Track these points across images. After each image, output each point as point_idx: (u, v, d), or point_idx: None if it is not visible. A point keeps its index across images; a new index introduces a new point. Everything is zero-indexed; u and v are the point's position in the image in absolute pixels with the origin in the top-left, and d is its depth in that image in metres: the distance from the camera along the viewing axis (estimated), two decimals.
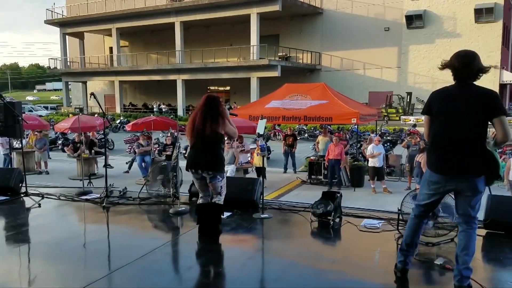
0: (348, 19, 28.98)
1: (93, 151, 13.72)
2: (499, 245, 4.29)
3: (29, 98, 69.27)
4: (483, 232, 4.60)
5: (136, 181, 10.95)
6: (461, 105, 3.09)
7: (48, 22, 36.86)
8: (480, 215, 4.90)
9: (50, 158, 14.89)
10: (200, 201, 4.57)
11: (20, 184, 6.85)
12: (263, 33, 28.56)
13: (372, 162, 10.82)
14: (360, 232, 4.71)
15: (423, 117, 3.47)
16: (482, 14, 25.23)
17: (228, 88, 35.22)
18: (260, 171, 11.24)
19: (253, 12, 27.64)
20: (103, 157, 14.21)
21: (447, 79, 3.31)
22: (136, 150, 12.52)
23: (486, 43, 25.42)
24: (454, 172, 3.12)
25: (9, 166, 12.19)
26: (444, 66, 3.24)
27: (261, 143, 7.83)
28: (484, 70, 3.19)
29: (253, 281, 3.64)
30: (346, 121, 11.64)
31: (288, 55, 30.29)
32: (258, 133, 5.84)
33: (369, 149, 11.03)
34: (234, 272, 3.82)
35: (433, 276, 3.63)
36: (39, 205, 6.13)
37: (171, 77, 31.19)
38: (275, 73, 26.94)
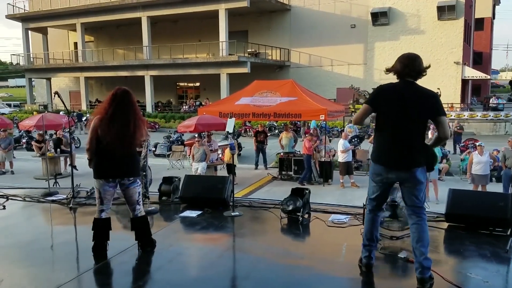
0: (316, 16, 29.27)
1: (59, 150, 13.37)
2: (460, 237, 4.49)
3: None
4: (444, 225, 4.82)
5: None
6: (405, 103, 3.27)
7: (9, 16, 35.45)
8: (441, 209, 5.15)
9: (15, 158, 14.41)
10: (102, 215, 4.03)
11: None
12: (232, 29, 28.47)
13: (343, 157, 11.03)
14: (328, 228, 4.84)
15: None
16: (444, 11, 26.04)
17: (198, 84, 34.96)
18: (231, 168, 11.32)
19: (222, 8, 27.49)
20: (69, 155, 13.93)
21: None
22: None
23: (448, 39, 26.27)
24: (393, 164, 3.31)
25: None
26: (389, 70, 3.45)
27: (230, 141, 7.84)
28: (425, 72, 3.37)
29: (223, 279, 3.67)
30: (314, 117, 11.83)
31: (258, 52, 30.35)
32: (227, 131, 5.87)
33: (342, 144, 11.18)
34: (204, 270, 3.85)
35: (397, 269, 3.78)
36: (4, 207, 5.95)
37: (139, 73, 30.66)
38: (245, 69, 26.95)
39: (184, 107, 32.16)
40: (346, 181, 11.11)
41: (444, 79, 26.05)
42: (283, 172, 12.15)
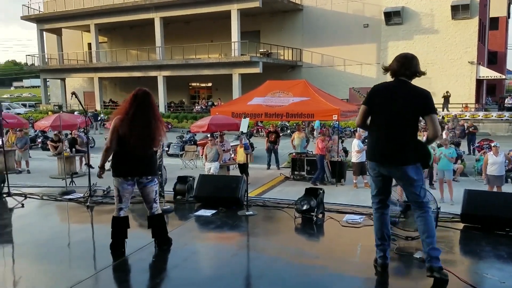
0: (328, 16, 29.19)
1: (74, 149, 13.57)
2: (475, 238, 4.47)
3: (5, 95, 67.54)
4: (460, 226, 4.79)
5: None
6: (398, 101, 3.36)
7: (24, 18, 36.03)
8: (457, 210, 5.12)
9: (31, 157, 14.65)
10: (121, 213, 4.09)
11: (2, 185, 6.78)
12: (244, 29, 28.55)
13: (357, 158, 10.96)
14: (342, 228, 4.85)
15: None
16: (458, 10, 25.75)
17: (210, 84, 35.11)
18: (244, 167, 11.35)
19: (234, 8, 27.58)
20: (84, 155, 14.13)
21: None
22: None
23: (462, 39, 25.97)
24: (384, 160, 3.43)
25: None
26: (386, 69, 3.55)
27: (244, 141, 7.90)
28: (420, 73, 3.46)
29: (237, 278, 3.71)
30: (327, 117, 11.80)
31: (270, 52, 30.37)
32: (241, 131, 5.91)
33: (357, 145, 11.09)
34: (219, 269, 3.89)
35: (413, 270, 3.78)
36: (22, 205, 6.09)
37: (152, 73, 30.91)
38: (257, 70, 26.99)
39: (196, 107, 32.34)
40: (360, 182, 11.07)
41: (458, 79, 25.77)
42: (296, 172, 12.15)
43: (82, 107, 6.32)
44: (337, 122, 14.85)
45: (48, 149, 15.40)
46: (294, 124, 20.27)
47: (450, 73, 25.67)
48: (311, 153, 12.48)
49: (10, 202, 6.28)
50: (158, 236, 4.20)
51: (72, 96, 5.97)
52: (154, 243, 4.26)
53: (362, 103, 3.61)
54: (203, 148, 12.49)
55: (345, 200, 7.28)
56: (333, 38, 28.90)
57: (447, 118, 21.59)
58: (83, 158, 14.28)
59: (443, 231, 4.62)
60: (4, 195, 6.54)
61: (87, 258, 4.24)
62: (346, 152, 13.38)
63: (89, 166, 7.16)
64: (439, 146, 10.55)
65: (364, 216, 5.11)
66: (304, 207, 5.07)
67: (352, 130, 20.84)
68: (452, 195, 9.43)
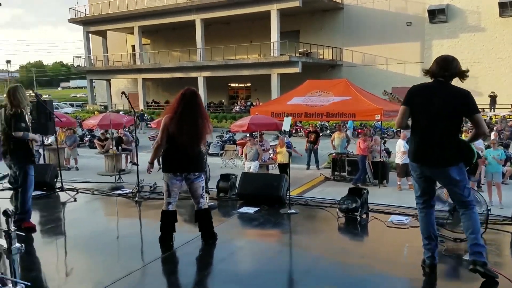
0: (369, 14, 28.68)
1: (120, 147, 14.08)
2: None
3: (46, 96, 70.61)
4: (510, 228, 4.62)
5: (162, 177, 11.20)
6: (437, 102, 3.35)
7: (71, 20, 37.62)
8: (507, 213, 4.95)
9: (79, 155, 15.31)
10: (169, 207, 4.25)
11: (55, 180, 7.16)
12: (283, 29, 28.55)
13: (402, 159, 10.69)
14: (387, 228, 4.79)
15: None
16: (507, 7, 24.57)
17: (248, 85, 35.35)
18: (284, 167, 11.37)
19: (273, 9, 27.64)
20: (130, 153, 14.64)
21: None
22: None
23: (511, 37, 24.80)
24: (426, 161, 3.44)
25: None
26: (426, 72, 3.55)
27: (286, 140, 7.94)
28: (460, 74, 3.43)
29: (283, 273, 3.77)
30: (369, 117, 11.60)
31: (309, 51, 30.21)
32: (284, 130, 5.96)
33: (403, 145, 10.80)
34: (265, 264, 3.95)
35: (461, 271, 3.69)
36: (75, 200, 6.40)
37: (193, 74, 31.49)
38: (296, 69, 26.92)
39: (235, 107, 32.68)
40: (404, 183, 10.80)
41: (507, 78, 24.62)
42: (336, 173, 12.05)
43: (131, 106, 6.57)
44: (379, 122, 14.58)
45: (95, 147, 16.06)
46: (334, 124, 20.12)
47: (498, 72, 24.56)
48: (351, 153, 12.33)
49: (63, 196, 6.62)
50: (205, 230, 4.32)
51: (122, 95, 6.22)
52: (200, 237, 4.38)
53: (402, 103, 3.61)
54: (243, 148, 12.62)
55: (388, 202, 7.15)
56: (374, 36, 28.36)
57: (495, 119, 20.69)
58: (128, 156, 14.80)
59: (493, 234, 4.48)
60: (57, 190, 6.90)
61: (136, 250, 4.42)
62: (388, 153, 13.11)
63: (135, 163, 7.44)
64: (487, 147, 10.16)
65: (410, 217, 5.02)
66: (348, 207, 5.05)
67: (394, 130, 20.37)
68: (501, 199, 9.06)
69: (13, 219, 1.96)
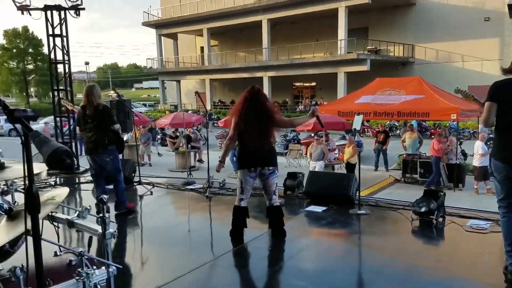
0: (444, 9, 27.17)
1: (189, 145, 14.62)
2: None
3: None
4: None
5: (227, 175, 11.46)
6: None
7: (145, 24, 39.61)
8: None
9: (152, 152, 16.12)
10: (241, 203, 4.34)
11: (133, 174, 7.62)
12: (351, 26, 27.93)
13: (480, 161, 10.05)
14: (466, 233, 4.54)
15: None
16: None
17: (313, 84, 35.05)
18: (351, 167, 11.14)
19: (341, 6, 27.14)
20: (198, 151, 15.16)
21: None
22: None
23: None
24: None
25: None
26: (505, 71, 3.38)
27: (357, 138, 7.77)
28: None
29: (354, 272, 3.72)
30: (444, 117, 10.99)
31: (378, 48, 29.28)
32: (354, 128, 5.85)
33: (481, 147, 10.16)
34: (335, 263, 3.93)
35: None
36: (151, 193, 6.77)
37: (258, 74, 31.83)
38: (364, 67, 26.23)
39: (299, 106, 32.55)
40: (481, 187, 10.13)
41: None
42: (407, 175, 11.57)
43: (204, 104, 6.81)
44: (455, 123, 13.80)
45: (166, 145, 16.81)
46: (402, 124, 19.36)
47: None
48: (424, 155, 11.78)
49: (140, 189, 7.03)
50: (275, 227, 4.37)
51: (195, 95, 6.47)
52: (268, 233, 4.45)
53: (487, 99, 3.39)
54: (307, 147, 12.55)
55: (464, 206, 6.76)
56: (449, 32, 26.83)
57: None
58: (197, 154, 15.33)
59: None
60: (135, 184, 7.33)
61: (208, 243, 4.58)
62: (465, 154, 12.36)
63: (201, 161, 7.70)
64: None
65: (490, 222, 4.71)
66: (423, 209, 4.85)
67: (471, 131, 19.18)
68: None
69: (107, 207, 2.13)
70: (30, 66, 50.04)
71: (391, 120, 18.23)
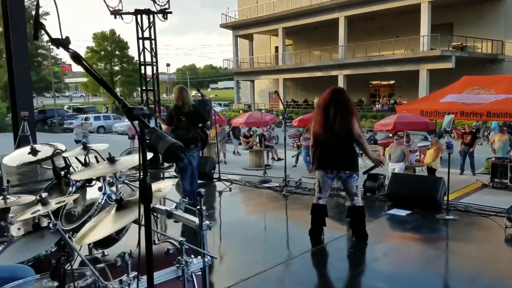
0: None
1: (263, 144, 14.80)
2: None
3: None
4: None
5: (301, 174, 11.42)
6: None
7: (222, 25, 40.75)
8: None
9: (227, 150, 16.54)
10: (319, 201, 4.31)
11: (213, 171, 7.89)
12: (434, 22, 26.46)
13: None
14: None
15: None
16: None
17: (392, 82, 33.73)
18: (433, 170, 10.56)
19: (424, 1, 25.83)
20: (272, 149, 15.30)
21: None
22: (303, 143, 13.02)
23: None
24: None
25: None
26: None
27: (447, 139, 7.34)
28: None
29: (442, 280, 3.54)
30: None
31: (464, 45, 27.43)
32: (445, 128, 5.54)
33: None
34: (422, 269, 3.76)
35: None
36: (230, 189, 6.97)
37: (333, 72, 31.35)
38: (449, 65, 24.70)
39: (376, 105, 31.52)
40: None
41: None
42: (496, 180, 10.71)
43: (283, 105, 6.86)
44: None
45: (240, 143, 17.18)
46: (491, 125, 17.95)
47: None
48: None
49: (219, 186, 7.26)
50: (356, 228, 4.28)
51: (274, 94, 6.54)
52: (348, 235, 4.37)
53: None
54: (385, 148, 12.08)
55: None
56: None
57: None
58: (269, 153, 15.47)
59: None
60: (215, 180, 7.59)
61: (287, 241, 4.61)
62: None
63: (276, 159, 7.75)
64: None
65: None
66: None
67: None
68: None
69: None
70: (117, 68, 53.66)
71: (480, 120, 16.99)
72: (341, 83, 30.69)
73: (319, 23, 33.15)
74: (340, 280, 3.64)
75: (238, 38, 40.17)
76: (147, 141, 1.53)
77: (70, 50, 1.51)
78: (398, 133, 13.06)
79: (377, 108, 30.54)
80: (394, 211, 5.44)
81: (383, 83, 35.05)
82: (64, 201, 2.09)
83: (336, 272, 3.82)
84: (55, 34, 1.50)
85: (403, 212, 5.35)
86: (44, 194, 2.01)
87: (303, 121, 14.23)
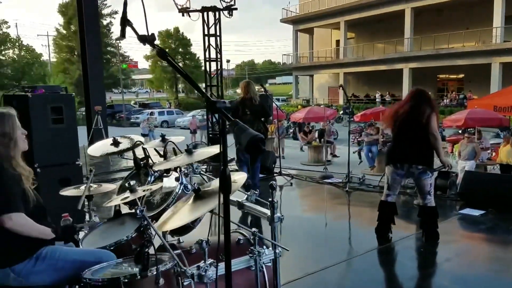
0: None
1: (322, 139, 14.62)
2: None
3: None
4: None
5: (361, 171, 11.14)
6: None
7: (283, 20, 40.63)
8: None
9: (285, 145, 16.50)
10: (388, 199, 4.16)
11: (273, 165, 7.92)
12: (509, 12, 24.63)
13: None
14: None
15: None
16: None
17: (461, 76, 31.89)
18: (507, 169, 9.87)
19: None
20: (331, 145, 15.08)
21: None
22: (365, 139, 12.71)
23: None
24: None
25: None
26: None
27: None
28: None
29: None
30: None
31: None
32: None
33: None
34: (499, 272, 3.53)
35: None
36: (291, 184, 6.96)
37: (398, 66, 30.23)
38: None
39: (444, 100, 29.99)
40: None
41: None
42: None
43: (347, 99, 6.74)
44: None
45: (297, 139, 17.07)
46: None
47: None
48: None
49: (280, 180, 7.26)
50: (427, 228, 4.11)
51: (339, 88, 6.43)
52: (418, 235, 4.21)
53: None
54: (453, 145, 11.46)
55: None
56: None
57: None
58: (328, 148, 15.23)
59: None
60: (276, 174, 7.61)
61: (351, 238, 4.54)
62: None
63: (335, 155, 7.63)
64: None
65: None
66: None
67: None
68: None
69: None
70: (180, 64, 55.45)
71: None
72: (406, 77, 29.58)
73: (384, 15, 32.06)
74: (409, 280, 3.52)
75: (298, 32, 39.88)
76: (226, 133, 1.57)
77: (156, 47, 1.58)
78: (469, 129, 12.35)
79: (445, 103, 29.04)
80: (467, 211, 5.18)
81: (451, 77, 33.28)
82: (150, 189, 2.21)
83: (405, 272, 3.69)
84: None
85: (476, 212, 5.07)
86: (132, 182, 2.14)
87: (366, 116, 13.88)
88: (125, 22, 1.66)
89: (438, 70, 31.55)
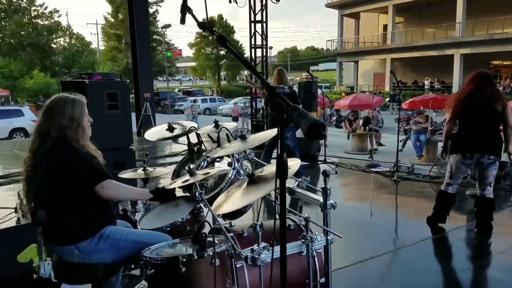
0: None
1: (367, 127, 14.31)
2: None
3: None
4: None
5: (408, 160, 10.85)
6: None
7: (328, 5, 39.75)
8: None
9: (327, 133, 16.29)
10: (449, 189, 3.99)
11: (317, 153, 7.88)
12: None
13: None
14: None
15: None
16: None
17: None
18: None
19: None
20: (376, 133, 14.74)
21: None
22: (413, 128, 12.34)
23: None
24: None
25: None
26: None
27: None
28: None
29: None
30: None
31: None
32: None
33: None
34: None
35: None
36: (336, 172, 6.90)
37: (448, 51, 28.94)
38: None
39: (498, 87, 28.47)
40: None
41: None
42: None
43: (398, 84, 6.58)
44: None
45: (341, 126, 16.79)
46: None
47: None
48: None
49: (324, 168, 7.20)
50: (481, 219, 3.96)
51: (390, 74, 6.26)
52: (472, 226, 4.08)
53: None
54: None
55: None
56: None
57: None
58: (373, 137, 14.90)
59: None
60: (320, 162, 7.57)
61: (400, 227, 4.46)
62: None
63: (380, 144, 7.45)
64: None
65: None
66: None
67: None
68: None
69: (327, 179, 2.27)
70: (222, 52, 55.79)
71: None
72: (457, 63, 28.33)
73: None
74: (462, 272, 3.42)
75: (344, 17, 38.96)
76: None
77: (215, 33, 1.62)
78: None
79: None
80: None
81: (505, 63, 31.54)
82: (209, 172, 2.28)
83: (457, 263, 3.60)
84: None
85: None
86: (192, 166, 2.22)
87: (415, 103, 13.44)
88: (185, 9, 1.70)
89: (491, 56, 29.95)
